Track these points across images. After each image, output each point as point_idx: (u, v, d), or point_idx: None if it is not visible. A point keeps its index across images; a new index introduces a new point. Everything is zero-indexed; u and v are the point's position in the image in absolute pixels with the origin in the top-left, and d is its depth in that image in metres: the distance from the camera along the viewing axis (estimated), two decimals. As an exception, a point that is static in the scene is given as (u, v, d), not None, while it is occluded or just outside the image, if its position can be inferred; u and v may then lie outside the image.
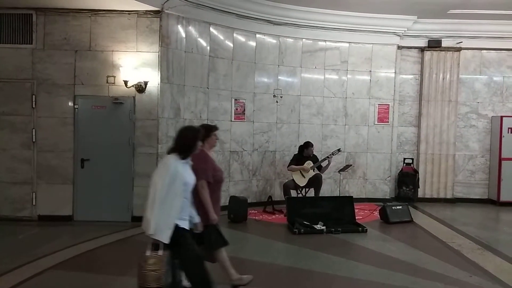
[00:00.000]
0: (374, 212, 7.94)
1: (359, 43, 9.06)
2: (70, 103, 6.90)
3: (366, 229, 6.70)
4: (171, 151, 3.47)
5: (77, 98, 6.90)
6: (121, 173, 6.96)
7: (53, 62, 6.83)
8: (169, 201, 3.28)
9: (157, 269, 3.21)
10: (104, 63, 6.88)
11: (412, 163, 9.47)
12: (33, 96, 6.86)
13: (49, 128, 6.88)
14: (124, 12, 6.83)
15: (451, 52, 9.34)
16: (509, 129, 9.05)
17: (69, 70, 6.85)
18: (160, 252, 3.25)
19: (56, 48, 6.83)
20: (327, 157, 7.97)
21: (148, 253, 3.26)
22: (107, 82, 6.90)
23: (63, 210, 6.91)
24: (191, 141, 3.47)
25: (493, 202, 9.20)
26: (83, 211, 6.93)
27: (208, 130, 4.08)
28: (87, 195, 6.91)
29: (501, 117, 9.19)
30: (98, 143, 6.92)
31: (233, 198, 7.47)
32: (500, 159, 9.08)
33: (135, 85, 6.85)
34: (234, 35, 8.11)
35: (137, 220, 6.81)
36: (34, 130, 6.87)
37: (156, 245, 3.27)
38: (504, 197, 9.03)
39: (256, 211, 7.95)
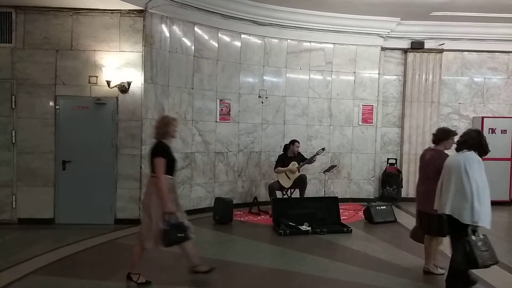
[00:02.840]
0: (358, 212, 7.99)
1: (343, 44, 9.11)
2: (51, 104, 6.75)
3: (351, 230, 6.74)
4: (464, 148, 4.08)
5: (58, 98, 6.75)
6: (103, 175, 6.84)
7: (33, 61, 6.68)
8: (484, 192, 3.90)
9: (487, 249, 3.88)
10: (86, 63, 6.76)
11: (396, 163, 9.58)
12: (13, 97, 6.69)
13: (30, 129, 6.72)
14: (107, 11, 6.72)
15: (434, 53, 9.47)
16: (490, 130, 9.21)
17: (50, 70, 6.70)
18: (481, 235, 3.89)
19: (36, 47, 6.67)
20: (312, 157, 7.99)
21: (473, 237, 3.84)
22: (89, 82, 6.78)
23: (44, 213, 6.77)
24: (483, 141, 4.12)
25: (474, 202, 9.35)
26: (65, 214, 6.79)
27: (447, 134, 4.78)
28: (69, 197, 6.78)
29: (482, 117, 9.36)
30: (80, 145, 6.79)
31: (218, 200, 7.43)
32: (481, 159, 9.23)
33: (118, 85, 6.75)
34: (219, 35, 8.05)
35: (120, 222, 6.79)
36: (13, 131, 6.70)
37: (474, 230, 3.87)
38: (485, 197, 9.19)
39: (241, 212, 7.91)
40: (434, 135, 4.91)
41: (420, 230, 4.94)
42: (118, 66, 6.73)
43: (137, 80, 6.81)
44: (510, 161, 9.27)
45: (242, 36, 8.36)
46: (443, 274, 4.58)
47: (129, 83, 6.76)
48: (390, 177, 9.41)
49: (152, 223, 4.22)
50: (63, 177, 6.79)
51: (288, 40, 8.81)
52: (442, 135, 4.80)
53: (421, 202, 4.82)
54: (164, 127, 4.39)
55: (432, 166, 4.52)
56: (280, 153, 8.20)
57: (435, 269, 4.85)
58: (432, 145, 4.93)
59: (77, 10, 6.68)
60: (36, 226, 6.58)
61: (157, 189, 4.17)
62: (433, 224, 4.56)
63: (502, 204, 9.00)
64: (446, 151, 4.74)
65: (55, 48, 6.71)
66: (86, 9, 6.68)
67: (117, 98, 6.81)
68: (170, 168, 4.31)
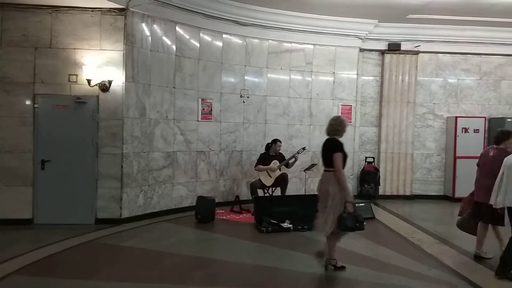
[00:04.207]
0: (338, 210, 8.13)
1: (323, 45, 9.26)
2: (29, 102, 6.64)
3: (331, 227, 6.87)
4: None
5: (37, 97, 6.65)
6: (84, 174, 6.78)
7: (11, 59, 6.55)
8: None
9: None
10: (66, 61, 6.68)
11: (373, 161, 9.80)
12: (-10, 95, 6.56)
13: (8, 128, 6.60)
14: (87, 9, 6.66)
15: (410, 55, 9.73)
16: (463, 129, 9.55)
17: (29, 68, 6.60)
18: None
19: (14, 45, 6.55)
20: (293, 156, 8.11)
21: None
22: (69, 81, 6.70)
23: (22, 213, 6.64)
24: None
25: (449, 198, 9.67)
26: (44, 214, 6.69)
27: (508, 135, 5.31)
28: (48, 197, 6.68)
29: (456, 117, 9.69)
30: (60, 144, 6.71)
31: (200, 198, 7.46)
32: (455, 158, 9.56)
33: (99, 84, 6.70)
34: (201, 34, 8.08)
35: (101, 222, 6.75)
36: (-10, 130, 6.58)
37: None
38: (458, 193, 9.40)
39: (223, 211, 7.96)
40: (496, 137, 5.44)
41: (468, 222, 5.57)
42: (98, 64, 6.68)
43: (118, 79, 6.77)
44: (482, 159, 9.60)
45: (224, 36, 8.40)
46: (491, 258, 5.27)
47: (110, 82, 6.72)
48: (368, 175, 9.62)
49: (329, 211, 4.65)
50: (42, 177, 6.69)
51: (269, 41, 8.91)
52: (504, 137, 5.33)
53: (482, 195, 5.23)
54: (341, 124, 4.85)
55: (498, 163, 4.97)
56: (262, 152, 8.29)
57: (485, 253, 5.38)
58: (494, 145, 5.44)
59: (56, 8, 6.59)
60: (14, 226, 6.45)
61: (338, 181, 4.61)
62: (499, 214, 4.94)
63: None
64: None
65: (34, 46, 6.60)
66: (66, 6, 6.59)
67: (97, 97, 6.76)
68: (344, 162, 4.75)
